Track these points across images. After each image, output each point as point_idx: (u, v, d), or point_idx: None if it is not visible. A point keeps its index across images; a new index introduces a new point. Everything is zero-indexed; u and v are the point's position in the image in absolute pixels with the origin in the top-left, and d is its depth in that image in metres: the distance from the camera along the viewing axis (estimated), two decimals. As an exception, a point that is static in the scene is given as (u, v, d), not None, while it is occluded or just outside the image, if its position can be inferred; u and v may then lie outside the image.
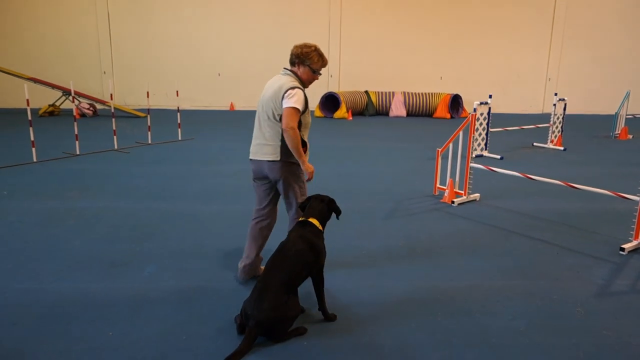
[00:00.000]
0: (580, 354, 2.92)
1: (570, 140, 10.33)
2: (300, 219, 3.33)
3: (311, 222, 3.26)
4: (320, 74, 3.72)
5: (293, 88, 3.48)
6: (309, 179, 3.69)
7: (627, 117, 11.55)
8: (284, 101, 3.47)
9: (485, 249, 4.52)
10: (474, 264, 4.17)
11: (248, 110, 15.54)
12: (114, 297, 3.48)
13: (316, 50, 3.63)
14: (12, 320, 3.17)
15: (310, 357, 2.85)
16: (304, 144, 3.60)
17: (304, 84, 3.66)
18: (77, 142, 8.34)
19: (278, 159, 3.61)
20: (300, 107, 3.46)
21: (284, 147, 3.57)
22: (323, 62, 3.66)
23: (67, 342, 2.94)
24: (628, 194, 4.68)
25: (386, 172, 7.44)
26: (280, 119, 3.51)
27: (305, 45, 3.63)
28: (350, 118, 14.07)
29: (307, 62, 3.60)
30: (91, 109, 13.55)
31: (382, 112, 15.09)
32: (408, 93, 14.99)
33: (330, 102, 14.47)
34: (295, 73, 3.64)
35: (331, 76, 15.91)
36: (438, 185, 6.22)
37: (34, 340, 2.96)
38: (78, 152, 8.30)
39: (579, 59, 16.18)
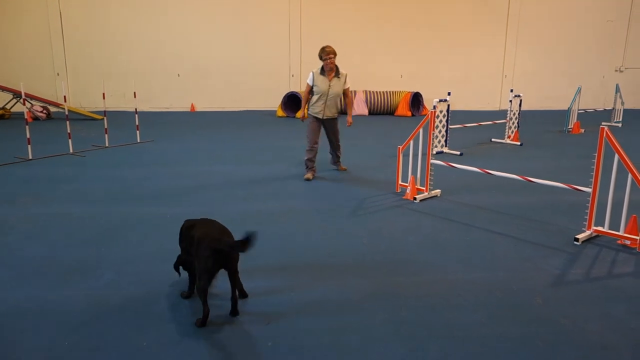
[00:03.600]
0: (539, 342, 3.00)
1: (526, 136, 10.64)
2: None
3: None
4: (327, 58, 6.43)
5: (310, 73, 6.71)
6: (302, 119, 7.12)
7: (579, 112, 11.99)
8: None
9: (446, 243, 4.60)
10: (436, 259, 4.24)
11: (209, 111, 15.33)
12: (71, 305, 3.36)
13: (321, 48, 6.51)
14: (-40, 334, 3.01)
15: (276, 357, 2.83)
16: (308, 101, 6.90)
17: (324, 69, 6.54)
18: (29, 146, 8.02)
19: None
20: (307, 81, 6.77)
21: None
22: (322, 50, 6.46)
23: (20, 353, 2.82)
24: (580, 186, 4.85)
25: (348, 171, 7.47)
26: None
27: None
28: (313, 117, 14.05)
29: (320, 56, 6.52)
30: (44, 111, 13.07)
31: (344, 111, 15.12)
32: (369, 92, 15.11)
33: (292, 101, 14.43)
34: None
35: (292, 76, 15.87)
36: (400, 182, 6.29)
37: (-16, 354, 2.82)
38: (30, 157, 7.98)
39: (533, 57, 16.69)
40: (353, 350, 2.90)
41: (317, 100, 6.69)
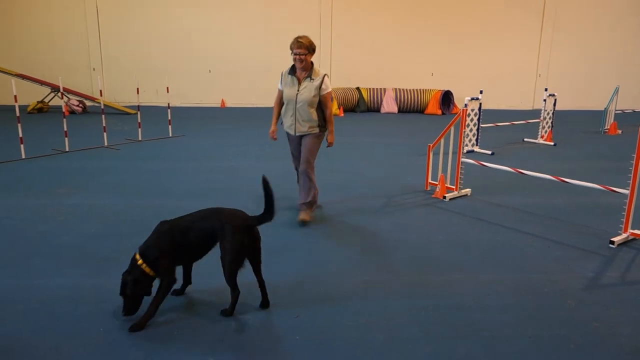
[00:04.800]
0: (570, 345, 2.94)
1: (560, 136, 10.40)
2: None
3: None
4: (296, 53, 4.72)
5: None
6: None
7: (616, 112, 11.64)
8: None
9: (476, 243, 4.54)
10: (465, 258, 4.19)
11: (239, 107, 15.49)
12: (105, 293, 3.45)
13: (294, 38, 4.77)
14: (1, 317, 3.14)
15: (303, 351, 2.85)
16: (280, 111, 5.15)
17: (295, 67, 4.87)
18: (66, 139, 8.27)
19: None
20: (278, 85, 5.07)
21: None
22: (294, 41, 4.74)
23: (58, 338, 2.92)
24: (617, 187, 4.72)
25: (378, 168, 7.45)
26: None
27: None
28: (342, 114, 14.06)
29: (290, 48, 4.76)
30: (80, 105, 13.43)
31: (373, 108, 15.10)
32: (399, 89, 15.01)
33: (321, 98, 14.44)
34: None
35: (322, 73, 15.87)
36: (430, 180, 6.24)
37: (24, 337, 2.93)
38: (67, 149, 8.22)
39: (569, 55, 16.28)
40: (378, 348, 2.90)
41: (286, 111, 5.02)
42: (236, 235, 3.10)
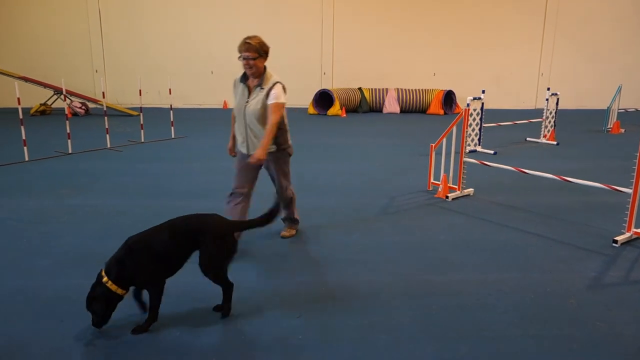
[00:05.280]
0: (573, 345, 2.93)
1: (562, 135, 10.37)
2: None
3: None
4: (243, 57, 3.97)
5: None
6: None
7: (619, 111, 11.61)
8: None
9: (478, 242, 4.53)
10: (468, 258, 4.18)
11: (241, 108, 15.48)
12: (107, 294, 3.46)
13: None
14: (4, 318, 3.15)
15: (305, 350, 2.85)
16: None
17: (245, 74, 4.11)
18: (69, 141, 8.29)
19: None
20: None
21: None
22: (240, 43, 3.98)
23: (60, 340, 2.92)
24: (620, 186, 4.71)
25: (380, 168, 7.44)
26: None
27: None
28: (344, 115, 14.06)
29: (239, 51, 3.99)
30: (83, 107, 13.46)
31: (375, 108, 15.09)
32: (401, 89, 15.00)
33: (323, 99, 14.46)
34: None
35: (324, 73, 15.89)
36: (432, 180, 6.23)
37: (26, 338, 2.93)
38: (70, 151, 8.24)
39: (571, 55, 16.24)
40: (381, 347, 2.90)
41: (237, 125, 4.25)
42: (229, 236, 3.20)
